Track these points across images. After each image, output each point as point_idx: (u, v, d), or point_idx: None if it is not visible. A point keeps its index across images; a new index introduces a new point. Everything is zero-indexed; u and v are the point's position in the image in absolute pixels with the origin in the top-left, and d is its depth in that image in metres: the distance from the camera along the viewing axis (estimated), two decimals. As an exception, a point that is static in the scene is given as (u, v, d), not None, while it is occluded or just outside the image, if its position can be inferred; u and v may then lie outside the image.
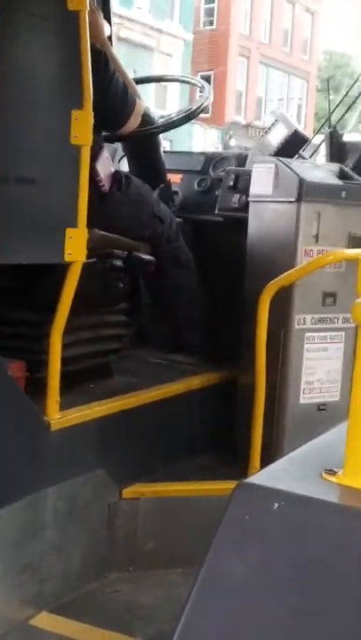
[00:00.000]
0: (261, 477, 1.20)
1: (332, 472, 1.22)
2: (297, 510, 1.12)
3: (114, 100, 2.98)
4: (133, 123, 3.12)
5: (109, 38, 3.79)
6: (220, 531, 1.15)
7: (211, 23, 35.81)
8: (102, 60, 2.89)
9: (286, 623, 1.06)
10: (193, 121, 3.87)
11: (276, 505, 1.11)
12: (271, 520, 1.12)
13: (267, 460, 2.98)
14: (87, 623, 2.55)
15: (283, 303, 3.02)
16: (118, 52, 3.85)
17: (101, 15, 3.28)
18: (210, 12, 35.86)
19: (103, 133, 3.12)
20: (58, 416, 2.61)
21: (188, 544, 2.93)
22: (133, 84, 3.17)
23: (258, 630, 1.06)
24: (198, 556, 2.74)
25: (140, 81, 3.66)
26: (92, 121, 2.48)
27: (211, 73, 32.39)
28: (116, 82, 2.98)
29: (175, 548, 2.95)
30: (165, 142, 3.81)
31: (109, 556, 2.84)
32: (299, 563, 1.08)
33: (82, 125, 2.47)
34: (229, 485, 2.92)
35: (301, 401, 3.12)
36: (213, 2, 35.70)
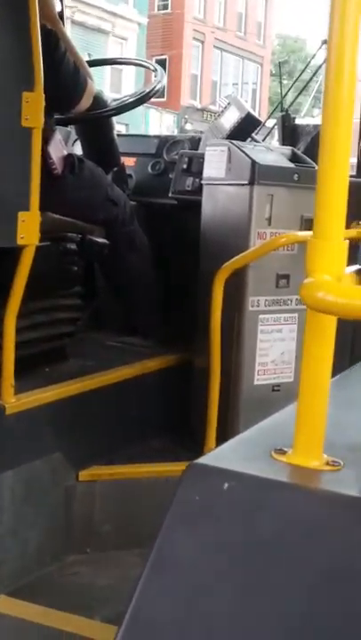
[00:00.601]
0: (211, 458, 1.21)
1: (281, 451, 1.23)
2: (247, 490, 1.13)
3: (65, 79, 2.94)
4: (85, 103, 3.09)
5: (60, 16, 3.77)
6: (170, 511, 1.16)
7: (165, 7, 35.64)
8: (52, 39, 2.85)
9: (237, 603, 1.07)
10: (148, 105, 3.90)
11: (226, 485, 1.12)
12: (221, 500, 1.13)
13: (222, 441, 3.01)
14: (45, 606, 2.55)
15: (237, 285, 3.04)
16: (73, 35, 3.83)
17: None
18: (164, -4, 35.69)
19: (56, 116, 3.09)
20: (13, 400, 2.61)
21: (145, 525, 2.92)
22: (85, 64, 3.14)
23: (209, 610, 1.07)
24: (154, 537, 2.77)
25: (94, 63, 3.63)
26: (43, 103, 2.46)
27: (165, 57, 32.26)
28: (67, 61, 2.95)
29: (132, 529, 2.96)
30: (121, 126, 3.80)
31: (67, 538, 2.85)
32: (249, 542, 1.09)
33: (33, 107, 2.45)
34: (184, 467, 2.97)
35: (256, 382, 3.15)
36: (168, -15, 35.53)
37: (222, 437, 3.02)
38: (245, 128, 3.50)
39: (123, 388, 3.11)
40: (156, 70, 3.68)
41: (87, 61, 3.23)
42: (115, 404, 3.08)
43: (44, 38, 2.52)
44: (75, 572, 2.81)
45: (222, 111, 3.59)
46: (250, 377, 3.15)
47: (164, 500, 2.93)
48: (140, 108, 3.57)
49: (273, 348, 3.16)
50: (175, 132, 26.05)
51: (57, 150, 2.97)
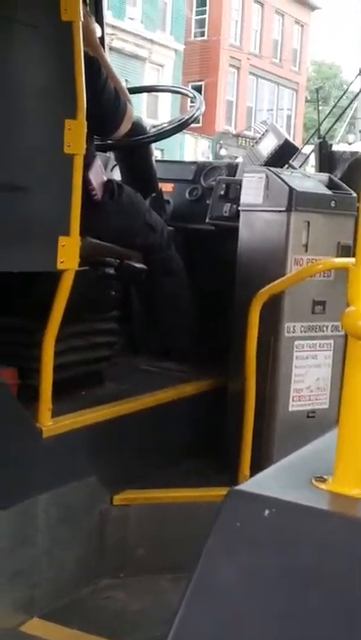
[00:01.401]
0: (252, 485, 1.22)
1: (321, 479, 1.23)
2: (287, 517, 1.13)
3: (106, 105, 2.98)
4: (125, 128, 3.13)
5: (101, 41, 3.83)
6: (211, 537, 1.16)
7: (202, 34, 35.95)
8: (94, 66, 2.90)
9: (276, 630, 1.07)
10: (184, 130, 3.90)
11: (267, 512, 1.12)
12: (262, 527, 1.13)
13: (256, 467, 3.01)
14: (78, 629, 2.56)
15: (273, 311, 3.04)
16: (111, 62, 3.87)
17: (93, 19, 3.29)
18: (201, 23, 36.01)
19: (96, 142, 3.14)
20: (50, 423, 2.62)
21: (178, 550, 2.94)
22: (125, 89, 3.18)
23: (248, 636, 1.08)
24: (188, 563, 2.76)
25: (133, 91, 3.68)
26: (84, 130, 2.50)
27: (202, 83, 32.51)
28: (108, 88, 2.99)
29: (165, 554, 2.96)
30: (157, 152, 3.83)
31: (100, 562, 2.85)
32: (289, 569, 1.09)
33: (75, 135, 2.49)
34: (219, 492, 2.97)
35: (291, 408, 3.14)
36: (205, 13, 35.85)
37: (256, 463, 3.02)
38: (283, 155, 3.52)
39: (158, 412, 3.12)
40: (194, 97, 3.72)
41: (128, 89, 3.28)
42: (150, 428, 3.09)
43: (87, 65, 2.56)
44: (108, 597, 2.80)
45: (260, 138, 3.61)
46: (285, 403, 3.14)
47: (198, 525, 2.92)
48: (177, 134, 3.62)
49: (308, 374, 3.16)
50: (210, 158, 26.19)
51: (97, 176, 3.01)
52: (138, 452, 3.03)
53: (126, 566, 2.92)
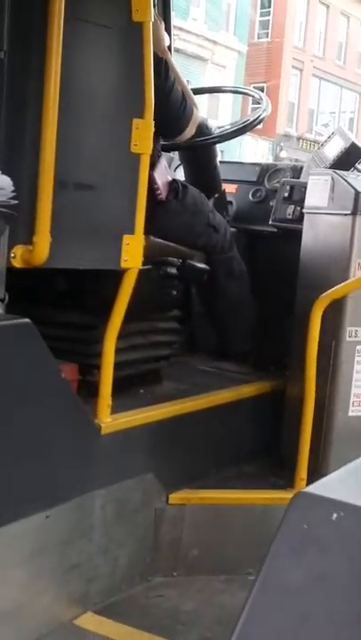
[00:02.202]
0: (320, 487, 1.21)
1: (390, 483, 1.22)
2: (356, 521, 1.13)
3: (172, 108, 3.01)
4: (190, 131, 3.15)
5: (169, 48, 3.84)
6: (277, 539, 1.16)
7: (265, 35, 35.85)
8: (163, 68, 2.92)
9: (343, 634, 1.06)
10: (244, 132, 3.88)
11: (335, 515, 1.12)
12: (329, 530, 1.12)
13: (313, 471, 3.00)
14: (131, 626, 2.57)
15: (334, 315, 3.02)
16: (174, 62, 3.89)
17: (162, 25, 3.32)
18: (265, 25, 35.91)
19: (161, 142, 3.15)
20: (109, 419, 2.64)
21: (232, 552, 2.95)
22: (191, 93, 3.20)
23: (313, 639, 1.07)
24: (242, 565, 2.75)
25: (200, 91, 3.69)
26: (152, 130, 2.52)
27: (264, 85, 32.40)
28: (176, 90, 3.01)
29: (219, 555, 2.96)
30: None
31: (154, 560, 2.86)
32: (356, 573, 1.09)
33: (142, 134, 2.50)
34: (275, 495, 2.97)
35: (350, 413, 3.12)
36: (269, 14, 35.74)
37: (314, 467, 3.00)
38: (349, 158, 3.49)
39: (215, 412, 3.12)
40: (261, 99, 3.70)
41: (193, 89, 3.29)
42: (207, 429, 3.09)
43: (155, 67, 2.58)
44: (161, 595, 2.81)
45: (326, 140, 3.59)
46: (344, 408, 3.12)
47: (253, 527, 2.93)
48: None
49: (369, 379, 3.13)
50: (270, 159, 26.10)
51: (162, 176, 3.02)
52: (195, 451, 3.03)
53: (180, 565, 2.93)
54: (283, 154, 30.06)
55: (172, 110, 3.01)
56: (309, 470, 3.00)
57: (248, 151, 29.32)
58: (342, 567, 1.08)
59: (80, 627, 2.55)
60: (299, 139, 35.10)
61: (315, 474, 2.92)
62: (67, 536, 2.49)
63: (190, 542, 2.94)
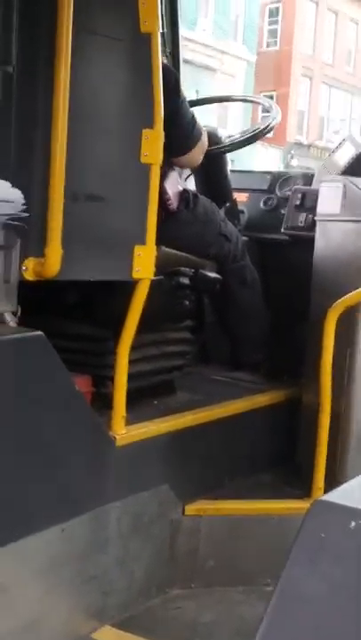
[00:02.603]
0: (337, 495, 1.20)
1: None
2: None
3: (182, 123, 2.98)
4: (197, 154, 3.11)
5: (177, 60, 3.85)
6: (295, 548, 1.15)
7: (274, 44, 35.92)
8: (173, 80, 2.91)
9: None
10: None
11: (353, 524, 1.11)
12: (347, 538, 1.11)
13: (329, 480, 2.98)
14: (149, 638, 2.56)
15: (349, 323, 3.01)
16: (182, 73, 3.90)
17: None
18: (273, 33, 36.00)
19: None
20: (123, 431, 2.63)
21: (250, 563, 2.93)
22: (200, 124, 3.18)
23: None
24: (259, 575, 2.74)
25: (207, 101, 3.69)
26: (162, 140, 2.51)
27: (273, 93, 32.46)
28: (186, 107, 2.99)
29: (237, 566, 2.94)
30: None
31: (171, 572, 2.84)
32: None
33: (152, 144, 2.50)
34: (292, 504, 2.95)
35: (367, 421, 3.10)
36: (277, 23, 35.82)
37: (330, 476, 2.98)
38: (360, 164, 3.48)
39: (230, 422, 3.11)
40: (271, 107, 3.70)
41: (203, 99, 3.29)
42: (222, 439, 3.08)
43: (167, 80, 2.57)
44: (178, 607, 2.80)
45: (337, 147, 3.58)
46: (360, 416, 3.09)
47: (270, 537, 2.91)
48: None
49: (385, 386, 3.11)
50: (281, 168, 26.10)
51: (173, 186, 3.02)
52: (210, 462, 3.02)
53: (197, 577, 2.91)
54: (294, 162, 30.06)
55: (182, 126, 2.98)
56: (326, 479, 2.98)
57: (259, 160, 29.33)
58: (360, 576, 1.07)
59: (98, 640, 2.54)
60: (309, 146, 35.11)
61: (332, 483, 2.90)
62: (83, 549, 2.48)
63: (207, 553, 2.92)
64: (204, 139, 3.13)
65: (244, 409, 3.19)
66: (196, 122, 3.06)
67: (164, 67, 2.56)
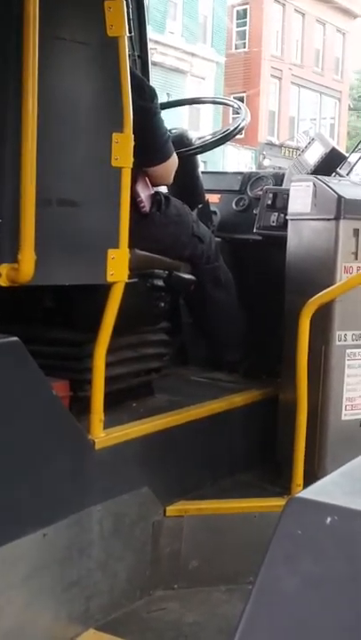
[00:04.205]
0: (313, 492, 1.21)
1: (383, 486, 1.22)
2: (350, 524, 1.12)
3: (156, 132, 2.97)
4: (169, 167, 3.08)
5: (145, 62, 3.86)
6: (272, 546, 1.15)
7: (243, 45, 36.04)
8: (147, 89, 2.92)
9: (340, 638, 1.06)
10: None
11: (329, 519, 1.12)
12: (324, 534, 1.12)
13: (309, 477, 2.99)
14: (133, 641, 2.56)
15: (323, 320, 3.03)
16: (152, 76, 3.91)
17: None
18: (242, 35, 36.11)
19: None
20: (102, 434, 2.63)
21: (232, 562, 2.94)
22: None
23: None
24: (242, 574, 2.75)
25: (179, 103, 3.70)
26: (132, 143, 2.52)
27: (243, 94, 32.54)
28: (160, 116, 2.98)
29: (219, 565, 2.95)
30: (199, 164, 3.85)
31: (154, 573, 2.85)
32: (352, 577, 1.08)
33: (122, 148, 2.50)
34: (272, 502, 2.97)
35: (343, 417, 3.12)
36: (245, 25, 35.93)
37: (310, 473, 3.00)
38: (330, 163, 3.51)
39: (209, 423, 3.12)
40: (239, 108, 3.72)
41: (173, 101, 3.30)
42: (201, 439, 3.09)
43: (139, 87, 2.57)
44: (162, 608, 2.80)
45: (306, 147, 3.60)
46: (337, 412, 3.12)
47: (252, 536, 2.92)
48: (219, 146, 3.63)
49: (360, 382, 3.13)
50: (253, 168, 26.19)
51: (145, 188, 3.03)
52: (190, 463, 3.03)
53: (180, 578, 2.91)
54: (266, 162, 30.17)
55: (156, 135, 2.98)
56: (306, 476, 3.00)
57: (231, 161, 29.41)
58: (338, 571, 1.08)
59: (82, 644, 2.54)
60: (281, 146, 35.23)
61: (311, 479, 2.90)
62: (65, 553, 2.48)
63: (190, 554, 2.93)
64: (176, 158, 3.12)
65: (223, 409, 3.21)
66: (169, 137, 3.07)
67: (132, 72, 2.57)
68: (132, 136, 2.52)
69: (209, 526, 2.97)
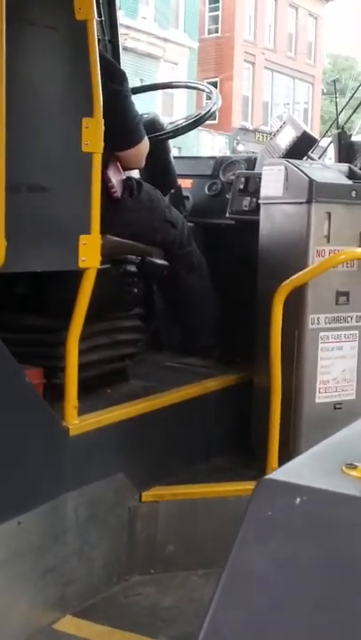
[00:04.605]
0: (282, 473, 1.21)
1: (352, 466, 1.23)
2: (319, 504, 1.13)
3: (128, 115, 2.96)
4: (140, 151, 3.07)
5: (116, 47, 3.83)
6: (243, 527, 1.16)
7: (216, 30, 35.91)
8: (118, 74, 2.91)
9: (312, 618, 1.07)
10: (200, 127, 3.90)
11: (299, 500, 1.12)
12: (294, 515, 1.13)
13: (284, 460, 3.00)
14: (110, 626, 2.57)
15: (296, 303, 3.04)
16: (125, 61, 3.89)
17: None
18: (215, 20, 35.97)
19: None
20: (76, 421, 2.63)
21: (209, 545, 2.95)
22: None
23: (283, 626, 1.07)
24: (218, 558, 2.76)
25: (151, 87, 3.68)
26: (102, 128, 2.50)
27: (217, 79, 32.45)
28: (130, 100, 2.97)
29: (196, 549, 2.96)
30: (174, 150, 3.84)
31: (130, 559, 2.86)
32: (323, 557, 1.09)
33: (93, 133, 2.49)
34: (247, 486, 2.96)
35: (317, 400, 3.13)
36: (218, 9, 35.80)
37: (284, 456, 3.01)
38: (301, 147, 3.51)
39: (184, 408, 3.12)
40: (211, 93, 3.71)
41: (144, 86, 3.29)
42: (176, 425, 3.10)
43: (110, 71, 2.55)
44: (139, 593, 2.81)
45: (278, 130, 3.60)
46: (311, 395, 3.13)
47: (228, 520, 2.93)
48: (192, 131, 3.62)
49: (334, 365, 3.14)
50: (227, 154, 26.18)
51: (116, 174, 3.01)
52: (165, 448, 3.03)
53: (157, 563, 2.92)
54: (240, 147, 30.14)
55: (127, 118, 2.97)
56: (280, 460, 3.01)
57: (205, 147, 29.36)
58: (308, 551, 1.09)
59: (60, 631, 2.54)
60: (255, 131, 35.21)
61: (286, 462, 2.93)
62: (40, 541, 2.48)
63: (166, 539, 2.94)
64: (147, 141, 3.11)
65: (197, 394, 3.21)
66: (140, 120, 3.05)
67: (102, 55, 2.55)
68: (102, 121, 2.50)
69: (184, 511, 2.98)
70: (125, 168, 3.12)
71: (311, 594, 1.07)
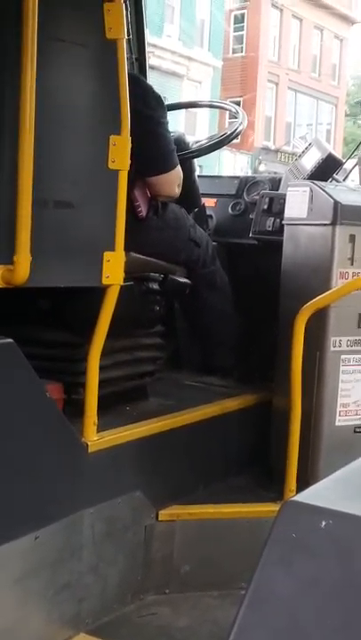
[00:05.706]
0: (308, 496, 1.21)
1: (378, 491, 1.22)
2: (344, 528, 1.13)
3: (162, 140, 2.98)
4: (172, 179, 3.06)
5: (143, 65, 3.85)
6: (267, 548, 1.15)
7: (240, 50, 36.08)
8: (153, 99, 2.93)
9: (334, 640, 1.06)
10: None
11: (324, 523, 1.12)
12: (318, 538, 1.12)
13: (302, 482, 2.99)
14: (124, 646, 2.56)
15: (318, 325, 3.03)
16: (149, 79, 3.91)
17: None
18: (239, 40, 36.17)
19: None
20: (95, 438, 2.63)
21: (224, 567, 2.93)
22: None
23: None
24: (234, 579, 2.74)
25: (178, 106, 3.70)
26: (129, 146, 2.51)
27: (240, 99, 32.57)
28: (166, 126, 2.98)
29: (211, 570, 2.95)
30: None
31: (146, 578, 2.84)
32: (347, 581, 1.09)
33: (120, 150, 2.50)
34: (265, 508, 2.96)
35: (337, 423, 3.12)
36: (243, 29, 35.99)
37: (303, 478, 3.00)
38: (326, 168, 3.51)
39: (203, 427, 3.11)
40: (237, 112, 3.72)
41: (172, 104, 3.30)
42: (195, 444, 3.09)
43: (146, 97, 2.57)
44: (153, 613, 2.79)
45: (303, 152, 3.61)
46: (331, 418, 3.12)
47: (244, 541, 2.92)
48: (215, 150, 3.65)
49: (355, 388, 3.13)
50: (249, 173, 26.24)
51: (142, 192, 3.02)
52: (183, 467, 3.02)
53: (172, 582, 2.91)
54: (262, 167, 30.20)
55: (159, 144, 2.98)
56: (299, 481, 3.00)
57: (227, 165, 29.44)
58: (332, 574, 1.08)
59: (73, 648, 2.53)
60: (277, 151, 35.28)
61: (304, 485, 2.90)
62: (56, 556, 2.47)
63: (181, 558, 2.93)
64: (180, 170, 3.10)
65: (216, 413, 3.20)
66: (174, 149, 3.06)
67: (138, 79, 2.57)
68: (130, 139, 2.51)
69: (201, 531, 2.96)
70: (156, 196, 3.08)
71: (335, 616, 1.06)
